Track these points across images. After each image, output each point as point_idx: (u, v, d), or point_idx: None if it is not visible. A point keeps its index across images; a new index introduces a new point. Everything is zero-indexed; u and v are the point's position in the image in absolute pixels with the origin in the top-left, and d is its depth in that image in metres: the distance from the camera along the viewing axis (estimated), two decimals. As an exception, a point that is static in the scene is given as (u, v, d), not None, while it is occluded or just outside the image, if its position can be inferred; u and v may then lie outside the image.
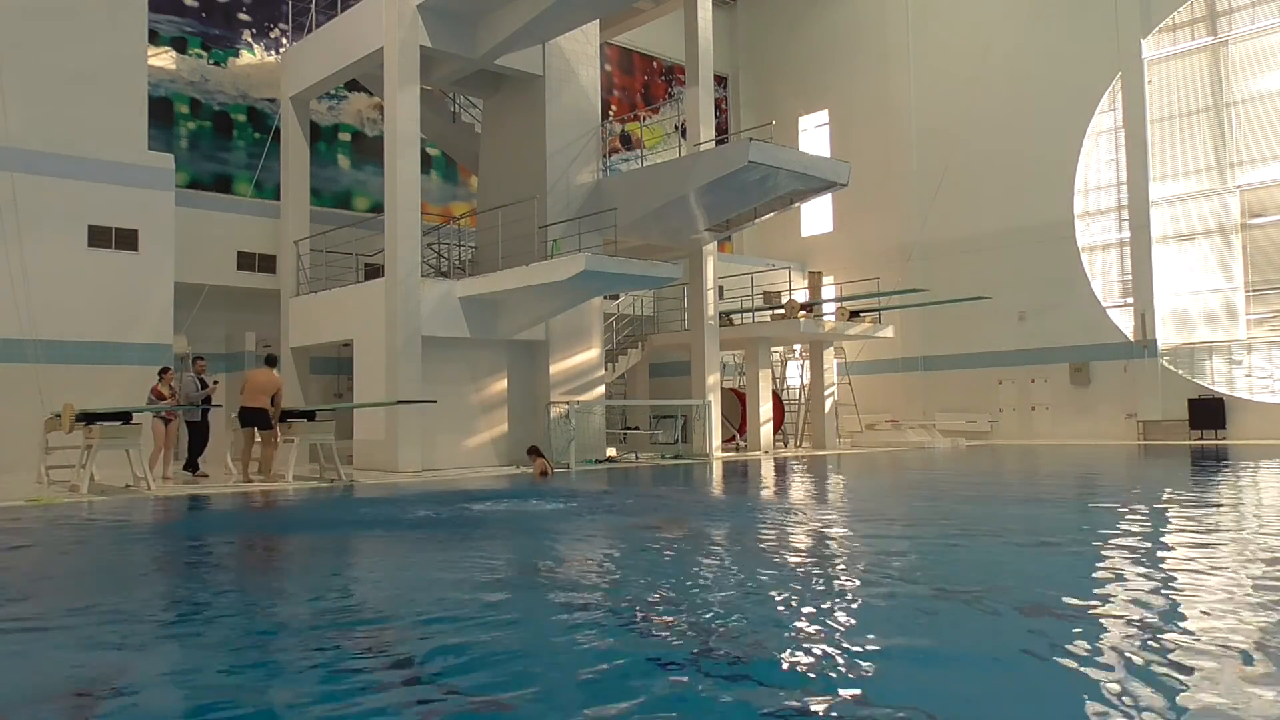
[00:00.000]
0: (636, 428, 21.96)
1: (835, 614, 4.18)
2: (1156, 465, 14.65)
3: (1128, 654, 3.40)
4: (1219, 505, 8.65)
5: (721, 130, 26.53)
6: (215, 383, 14.08)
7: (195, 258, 17.06)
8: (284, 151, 18.59)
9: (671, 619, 4.13)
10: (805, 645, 3.64)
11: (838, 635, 3.79)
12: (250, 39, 20.52)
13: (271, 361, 13.46)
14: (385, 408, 14.65)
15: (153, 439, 12.92)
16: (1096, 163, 23.61)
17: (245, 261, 18.25)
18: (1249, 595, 4.43)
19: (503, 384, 16.52)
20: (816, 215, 28.33)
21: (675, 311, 22.45)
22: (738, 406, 21.38)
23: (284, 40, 20.69)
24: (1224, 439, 20.71)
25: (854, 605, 4.37)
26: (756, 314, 21.84)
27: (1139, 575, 5.05)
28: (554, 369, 16.80)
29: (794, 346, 23.75)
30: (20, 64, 14.62)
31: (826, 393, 22.06)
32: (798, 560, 5.85)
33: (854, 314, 21.81)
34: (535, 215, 16.21)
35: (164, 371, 13.14)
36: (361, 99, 21.81)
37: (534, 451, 14.62)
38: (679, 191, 16.41)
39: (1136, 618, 3.99)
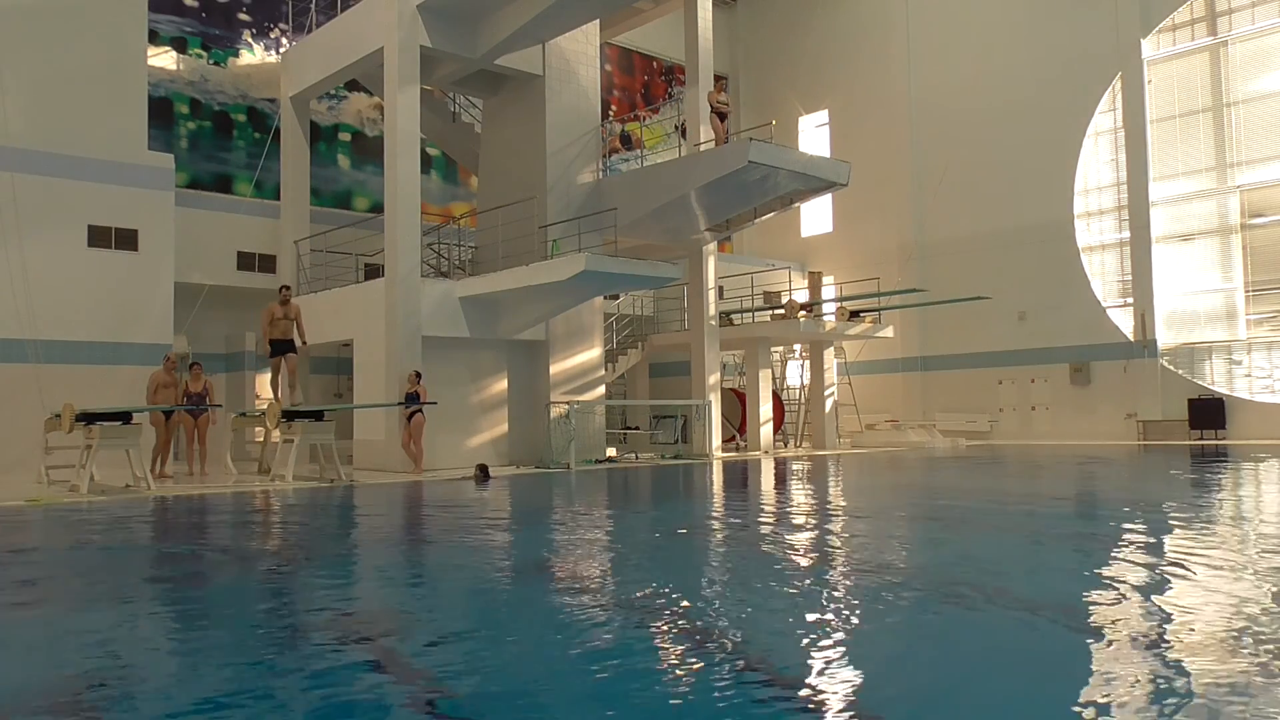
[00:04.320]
0: (636, 428, 21.96)
1: (842, 616, 4.18)
2: (1159, 465, 14.65)
3: (1137, 655, 3.40)
4: (1227, 505, 8.65)
5: (721, 130, 26.49)
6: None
7: (195, 258, 17.08)
8: (284, 151, 18.59)
9: (673, 618, 4.13)
10: (812, 647, 3.64)
11: (847, 639, 3.79)
12: (250, 39, 20.52)
13: (285, 290, 14.25)
14: (384, 408, 14.67)
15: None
16: (1096, 163, 23.61)
17: (245, 261, 18.26)
18: (1263, 595, 4.43)
19: (503, 384, 16.53)
20: (816, 215, 28.33)
21: (675, 311, 22.45)
22: (738, 406, 21.38)
23: (284, 40, 20.69)
24: (1224, 439, 20.70)
25: (860, 606, 4.37)
26: (756, 314, 21.84)
27: (1146, 575, 5.04)
28: (554, 369, 16.81)
29: (794, 346, 23.74)
30: (20, 64, 14.62)
31: (826, 393, 22.06)
32: (801, 560, 5.85)
33: (854, 314, 21.81)
34: (535, 215, 16.22)
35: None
36: (361, 99, 21.82)
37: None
38: (679, 191, 16.41)
39: (1145, 618, 3.98)
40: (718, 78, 18.74)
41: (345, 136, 21.76)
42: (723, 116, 17.76)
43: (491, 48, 15.63)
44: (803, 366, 23.67)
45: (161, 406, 12.93)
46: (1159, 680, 3.07)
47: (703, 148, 17.66)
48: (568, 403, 16.51)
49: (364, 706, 2.97)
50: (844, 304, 22.16)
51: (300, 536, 7.84)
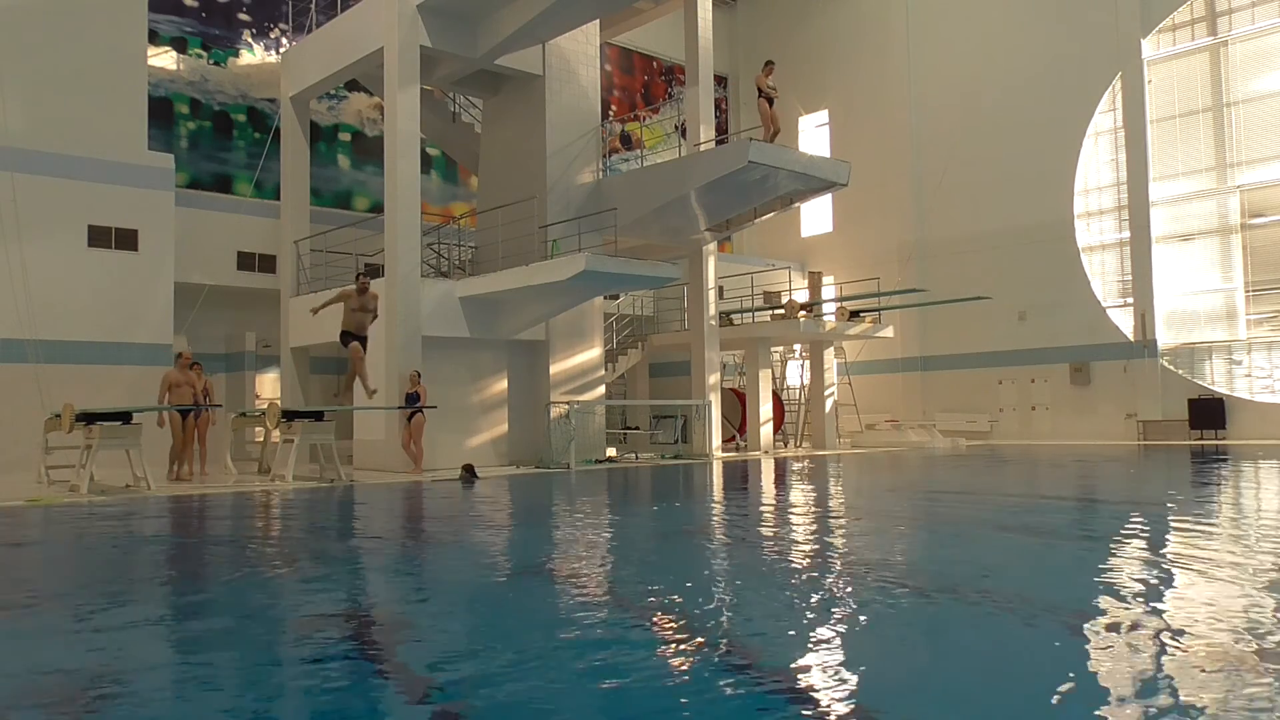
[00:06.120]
0: (636, 428, 21.97)
1: (842, 615, 4.17)
2: (1159, 464, 14.64)
3: (1138, 655, 3.40)
4: (1228, 504, 8.65)
5: (721, 130, 26.52)
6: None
7: (195, 258, 17.07)
8: (284, 151, 18.58)
9: (673, 619, 4.13)
10: (813, 647, 3.64)
11: (848, 638, 3.78)
12: (250, 39, 20.52)
13: (370, 275, 13.36)
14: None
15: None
16: (1096, 163, 23.61)
17: (245, 261, 18.26)
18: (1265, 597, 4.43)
19: (503, 384, 16.53)
20: (816, 215, 28.33)
21: (675, 311, 22.45)
22: (738, 406, 21.38)
23: (284, 40, 20.69)
24: (1224, 439, 20.70)
25: (860, 605, 4.37)
26: (756, 314, 21.84)
27: (1148, 575, 5.04)
28: (554, 369, 16.81)
29: (794, 346, 23.75)
30: (20, 64, 14.62)
31: (826, 393, 22.06)
32: (801, 559, 5.85)
33: (854, 314, 21.81)
34: (535, 215, 16.22)
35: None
36: (361, 99, 21.81)
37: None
38: (679, 191, 16.41)
39: (1146, 618, 3.98)
40: (767, 61, 18.05)
41: (345, 136, 21.76)
42: (770, 101, 17.18)
43: (491, 48, 15.63)
44: (803, 366, 23.67)
45: (175, 406, 12.84)
46: (1160, 680, 3.07)
47: (747, 134, 17.47)
48: (568, 403, 16.51)
49: (364, 708, 2.97)
50: (844, 304, 22.16)
51: (299, 537, 7.84)
